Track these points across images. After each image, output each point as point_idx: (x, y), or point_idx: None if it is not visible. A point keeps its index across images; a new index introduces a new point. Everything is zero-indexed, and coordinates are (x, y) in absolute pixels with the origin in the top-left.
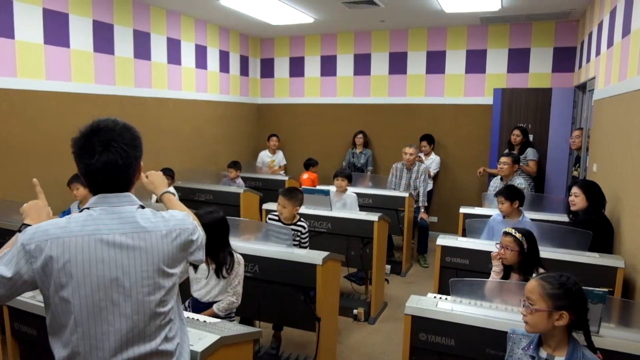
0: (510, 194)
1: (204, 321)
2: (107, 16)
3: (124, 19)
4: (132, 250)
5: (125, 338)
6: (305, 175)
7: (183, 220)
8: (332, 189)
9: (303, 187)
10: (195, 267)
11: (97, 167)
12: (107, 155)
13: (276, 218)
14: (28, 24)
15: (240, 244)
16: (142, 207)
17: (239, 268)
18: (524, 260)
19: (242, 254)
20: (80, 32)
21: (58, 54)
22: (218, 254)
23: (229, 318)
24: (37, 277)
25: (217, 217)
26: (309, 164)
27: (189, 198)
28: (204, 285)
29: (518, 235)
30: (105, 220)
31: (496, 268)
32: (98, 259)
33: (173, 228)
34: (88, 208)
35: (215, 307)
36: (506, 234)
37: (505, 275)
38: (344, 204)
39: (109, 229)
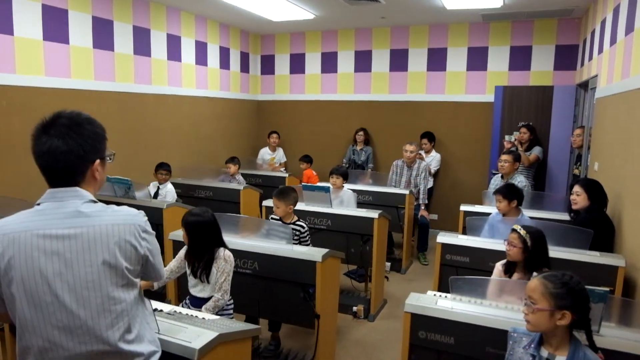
0: (508, 193)
1: (203, 318)
2: (106, 12)
3: (124, 15)
4: (74, 244)
5: (75, 334)
6: (314, 172)
7: (135, 216)
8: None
9: (304, 184)
10: (191, 266)
11: (42, 150)
12: (53, 140)
13: (277, 218)
14: (27, 20)
15: (240, 241)
16: (94, 201)
17: (226, 265)
18: (529, 259)
19: (241, 251)
20: (80, 29)
21: (57, 50)
22: (201, 255)
23: (227, 315)
24: None
25: (192, 218)
26: (311, 161)
27: (189, 195)
28: (196, 282)
29: (522, 232)
30: (50, 215)
31: (498, 266)
32: (40, 254)
33: (122, 221)
34: (39, 204)
35: (203, 308)
36: (513, 230)
37: (510, 272)
38: (340, 201)
39: (51, 224)
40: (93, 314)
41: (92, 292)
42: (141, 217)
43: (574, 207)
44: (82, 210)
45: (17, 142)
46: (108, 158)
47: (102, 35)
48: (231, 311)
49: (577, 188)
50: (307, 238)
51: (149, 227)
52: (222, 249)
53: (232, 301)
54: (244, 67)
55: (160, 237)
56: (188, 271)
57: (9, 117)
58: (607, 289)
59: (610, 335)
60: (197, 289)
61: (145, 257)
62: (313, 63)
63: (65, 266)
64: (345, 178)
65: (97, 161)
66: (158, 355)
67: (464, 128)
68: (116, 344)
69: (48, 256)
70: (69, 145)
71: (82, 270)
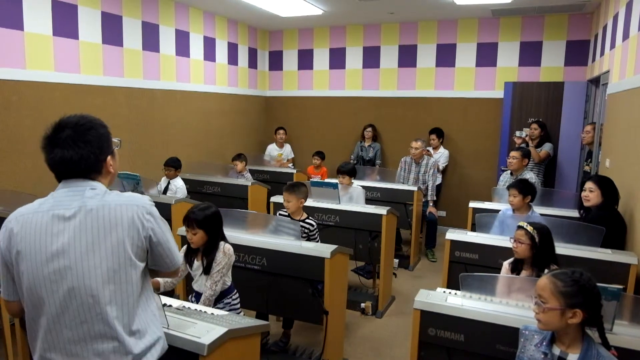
0: (524, 188)
1: (212, 313)
2: (115, 8)
3: (133, 10)
4: (78, 221)
5: (77, 312)
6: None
7: (140, 199)
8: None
9: (311, 180)
10: (190, 264)
11: (56, 161)
12: (64, 151)
13: (286, 214)
14: (37, 15)
15: (248, 237)
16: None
17: (223, 258)
18: (537, 255)
19: (250, 247)
20: (89, 24)
21: (67, 45)
22: (211, 251)
23: (235, 310)
24: (7, 257)
25: (208, 213)
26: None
27: (197, 190)
28: (200, 279)
29: (529, 228)
30: (61, 198)
31: (505, 264)
32: (48, 233)
33: (126, 202)
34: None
35: (200, 303)
36: (519, 227)
37: (517, 270)
38: (350, 198)
39: (59, 205)
40: (94, 292)
41: (94, 269)
42: (146, 201)
43: (586, 204)
44: (88, 194)
45: (27, 137)
46: (115, 147)
47: (111, 30)
48: (238, 305)
49: (589, 184)
50: (316, 236)
51: (155, 211)
52: (222, 242)
53: (237, 295)
54: (252, 63)
55: None
56: (194, 271)
57: (19, 112)
58: (619, 286)
59: (623, 333)
60: (200, 286)
61: (149, 239)
62: (321, 59)
63: (69, 244)
64: (352, 175)
65: (109, 157)
66: (159, 347)
67: (473, 124)
68: (114, 325)
69: (55, 235)
70: (80, 154)
71: (84, 248)
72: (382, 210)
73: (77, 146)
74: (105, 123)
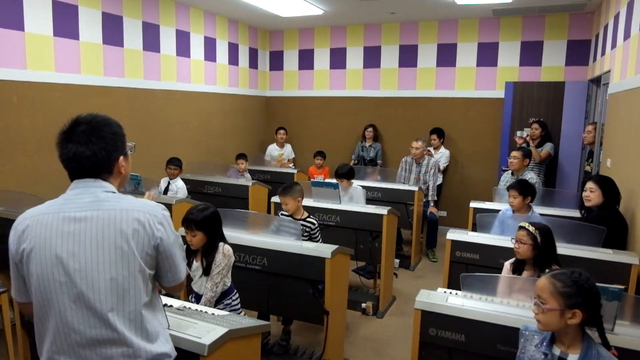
0: (524, 189)
1: (212, 314)
2: (116, 8)
3: (133, 10)
4: (89, 225)
5: (85, 317)
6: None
7: (152, 206)
8: None
9: (312, 180)
10: (189, 264)
11: (68, 156)
12: (77, 147)
13: (287, 214)
14: (38, 16)
15: (249, 237)
16: (114, 192)
17: (223, 259)
18: (539, 255)
19: (250, 247)
20: (90, 24)
21: (67, 46)
22: (211, 252)
23: (235, 311)
24: (17, 259)
25: (207, 214)
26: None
27: (197, 190)
28: (199, 280)
29: (531, 228)
30: (72, 199)
31: (507, 265)
32: (58, 234)
33: (137, 207)
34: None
35: (201, 304)
36: (520, 227)
37: (519, 270)
38: (350, 198)
39: (70, 207)
40: (101, 297)
41: (102, 274)
42: (159, 210)
43: (587, 204)
44: (100, 196)
45: (28, 137)
46: (129, 151)
47: (112, 31)
48: (238, 306)
49: (590, 184)
50: (318, 234)
51: (166, 221)
52: (221, 243)
53: (237, 295)
54: (253, 63)
55: None
56: (193, 272)
57: (19, 112)
58: (620, 286)
59: (624, 333)
60: (197, 285)
61: (156, 247)
62: (322, 59)
63: (79, 247)
64: (350, 177)
65: (121, 157)
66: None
67: (473, 124)
68: (123, 331)
69: (65, 237)
70: (92, 150)
71: (93, 252)
72: (382, 210)
73: (90, 142)
74: (121, 124)
